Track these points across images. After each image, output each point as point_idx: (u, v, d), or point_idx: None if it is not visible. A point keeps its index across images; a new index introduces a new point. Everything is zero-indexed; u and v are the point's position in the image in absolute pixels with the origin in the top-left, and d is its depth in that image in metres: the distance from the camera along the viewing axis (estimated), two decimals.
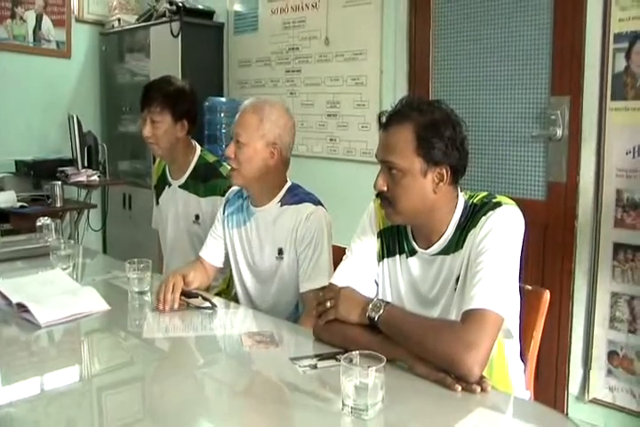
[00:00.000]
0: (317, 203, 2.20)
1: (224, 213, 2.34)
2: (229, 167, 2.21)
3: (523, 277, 1.74)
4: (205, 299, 2.07)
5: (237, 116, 2.18)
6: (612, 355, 2.75)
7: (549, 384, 2.93)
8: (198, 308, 2.04)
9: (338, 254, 1.96)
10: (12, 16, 4.81)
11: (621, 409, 2.74)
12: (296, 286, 2.17)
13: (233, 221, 2.31)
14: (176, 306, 2.02)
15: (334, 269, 1.88)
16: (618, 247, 2.72)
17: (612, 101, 2.71)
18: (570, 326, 2.89)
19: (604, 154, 2.74)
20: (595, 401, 2.83)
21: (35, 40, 4.95)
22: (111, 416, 1.41)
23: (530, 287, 1.86)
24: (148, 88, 2.69)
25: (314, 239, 2.13)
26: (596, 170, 2.78)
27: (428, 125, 1.59)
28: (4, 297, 2.02)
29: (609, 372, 2.77)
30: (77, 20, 5.21)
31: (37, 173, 4.39)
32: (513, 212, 1.63)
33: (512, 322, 1.65)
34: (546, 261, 2.97)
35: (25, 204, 3.99)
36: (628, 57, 2.65)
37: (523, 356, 1.79)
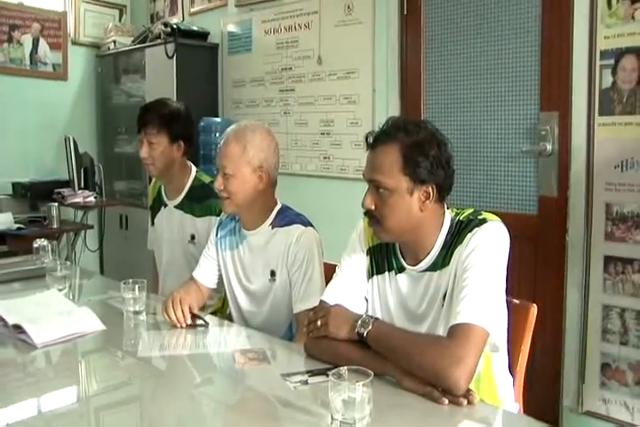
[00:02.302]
0: (307, 224, 2.21)
1: (217, 235, 2.36)
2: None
3: (513, 291, 1.76)
4: (197, 317, 2.10)
5: (221, 146, 2.18)
6: (605, 367, 2.76)
7: (543, 397, 2.94)
8: (190, 326, 2.07)
9: (330, 272, 1.98)
10: (9, 40, 4.87)
11: (615, 421, 2.74)
12: (288, 307, 2.19)
13: (226, 244, 2.33)
14: (189, 321, 2.07)
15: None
16: (608, 260, 2.74)
17: (599, 117, 2.74)
18: (562, 339, 2.90)
19: (594, 168, 2.77)
20: (588, 413, 2.82)
21: (31, 63, 5.00)
22: None
23: (517, 301, 1.87)
24: (145, 110, 2.72)
25: (305, 260, 2.15)
26: (585, 184, 2.80)
27: (414, 145, 1.63)
28: (1, 318, 2.04)
29: (602, 384, 2.77)
30: (74, 43, 5.28)
31: (34, 194, 4.42)
32: (498, 228, 1.66)
33: (499, 336, 1.67)
34: (538, 274, 2.98)
35: (22, 225, 4.01)
36: (614, 73, 2.68)
37: (512, 369, 1.81)
